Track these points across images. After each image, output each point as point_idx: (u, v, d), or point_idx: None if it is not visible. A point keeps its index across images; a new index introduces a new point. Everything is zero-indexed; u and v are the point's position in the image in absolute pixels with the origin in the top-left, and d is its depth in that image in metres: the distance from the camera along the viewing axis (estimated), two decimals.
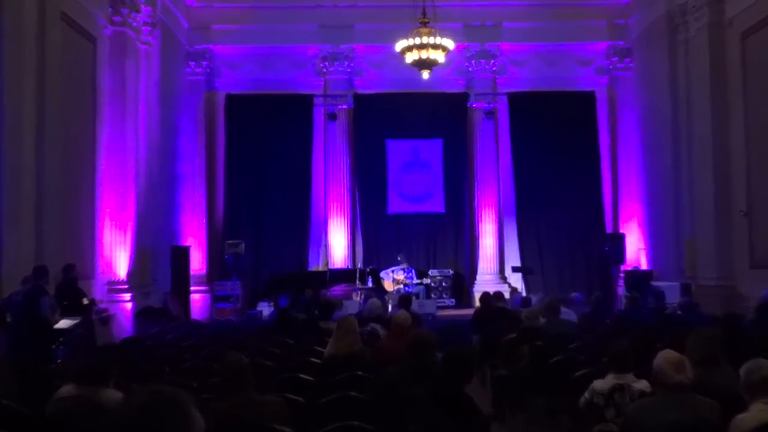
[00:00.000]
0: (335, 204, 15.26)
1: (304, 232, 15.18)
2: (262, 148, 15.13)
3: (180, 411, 1.21)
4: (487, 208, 15.26)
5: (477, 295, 12.47)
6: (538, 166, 15.14)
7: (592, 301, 8.73)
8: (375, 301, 8.14)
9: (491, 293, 9.42)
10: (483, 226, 15.25)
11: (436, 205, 15.52)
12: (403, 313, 5.99)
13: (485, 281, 14.72)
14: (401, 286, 13.59)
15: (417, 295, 13.33)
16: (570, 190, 15.05)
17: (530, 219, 15.24)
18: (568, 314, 7.80)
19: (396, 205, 15.53)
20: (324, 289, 13.55)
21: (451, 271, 14.80)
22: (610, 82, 15.39)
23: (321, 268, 15.05)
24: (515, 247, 15.34)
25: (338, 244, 15.21)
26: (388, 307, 11.79)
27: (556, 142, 15.11)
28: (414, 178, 15.54)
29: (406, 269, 13.84)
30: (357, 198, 15.51)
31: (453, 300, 14.41)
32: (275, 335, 7.05)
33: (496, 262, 15.21)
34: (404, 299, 8.24)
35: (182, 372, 4.98)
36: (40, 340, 7.04)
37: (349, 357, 4.95)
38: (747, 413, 2.91)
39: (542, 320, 6.93)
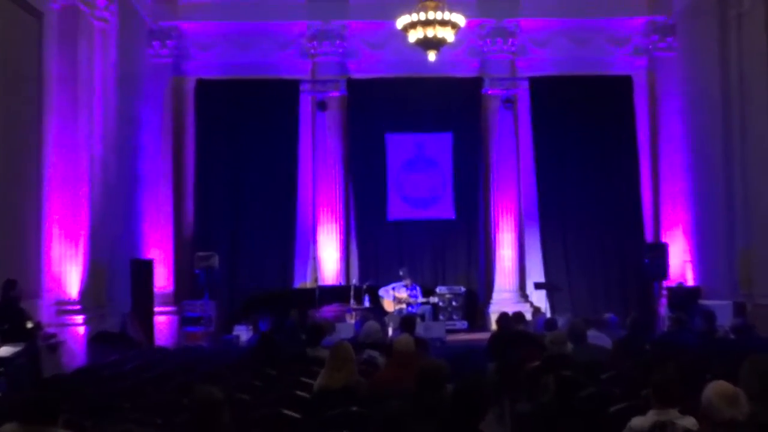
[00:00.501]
0: (326, 209, 15.36)
1: (289, 242, 15.27)
2: (239, 144, 15.22)
3: None
4: (505, 213, 15.38)
5: (493, 317, 12.63)
6: (565, 164, 15.27)
7: (629, 322, 8.67)
8: (373, 323, 8.03)
9: (510, 314, 9.47)
10: (500, 235, 15.37)
11: (444, 210, 15.63)
12: (405, 338, 6.00)
13: (503, 300, 14.80)
14: (404, 305, 13.71)
15: (422, 317, 13.45)
16: (603, 193, 15.19)
17: (556, 227, 15.34)
18: (600, 339, 7.85)
19: (397, 210, 15.66)
20: (312, 309, 13.67)
21: (463, 289, 14.94)
22: (649, 65, 15.41)
23: (309, 284, 15.15)
24: (538, 260, 15.43)
25: (329, 256, 15.30)
26: (388, 331, 11.78)
27: (586, 135, 15.23)
28: (418, 179, 15.67)
29: (409, 286, 13.90)
30: (351, 202, 15.61)
31: (465, 322, 14.54)
32: (255, 364, 7.09)
33: (515, 277, 15.32)
34: (406, 321, 8.28)
35: (145, 408, 5.00)
36: None
37: (343, 390, 5.03)
38: None
39: (570, 346, 6.94)
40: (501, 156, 15.48)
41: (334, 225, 15.32)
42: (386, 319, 13.06)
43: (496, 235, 15.40)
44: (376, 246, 15.55)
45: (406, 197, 15.67)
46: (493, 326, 11.96)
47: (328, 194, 15.37)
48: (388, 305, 13.83)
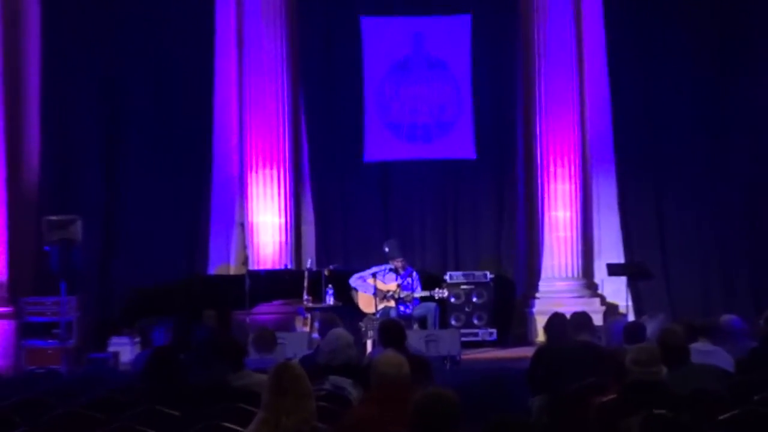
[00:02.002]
0: (260, 145, 15.35)
1: (200, 199, 15.53)
2: (116, 35, 15.18)
3: None
4: (558, 152, 15.45)
5: (540, 321, 12.75)
6: (659, 67, 15.27)
7: (763, 326, 8.76)
8: (340, 333, 7.87)
9: (567, 316, 9.33)
10: (551, 186, 15.49)
11: (458, 144, 15.73)
12: (390, 357, 6.00)
13: (556, 293, 15.02)
14: (391, 303, 13.76)
15: (422, 321, 13.65)
16: (721, 114, 15.19)
17: (644, 174, 15.59)
18: (715, 356, 7.76)
19: (381, 145, 15.74)
20: (240, 310, 13.82)
21: (490, 275, 15.10)
22: None
23: (234, 269, 15.40)
24: (615, 229, 15.66)
25: (267, 222, 15.33)
26: (366, 345, 12.13)
27: (695, 15, 15.26)
28: (416, 93, 15.69)
29: (400, 271, 13.95)
30: (303, 133, 15.75)
31: (493, 330, 14.77)
32: (145, 401, 6.95)
33: (576, 256, 15.43)
34: (389, 329, 8.38)
35: None
36: None
37: None
38: None
39: (665, 368, 6.97)
40: (552, 55, 15.43)
41: (274, 171, 15.34)
42: (362, 325, 13.10)
43: (545, 187, 15.50)
44: (346, 205, 15.71)
45: (395, 124, 15.77)
46: (540, 336, 12.32)
47: (264, 120, 15.32)
48: (366, 302, 13.88)
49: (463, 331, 14.15)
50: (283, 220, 15.39)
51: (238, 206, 15.67)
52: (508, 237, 15.79)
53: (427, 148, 15.83)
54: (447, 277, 14.85)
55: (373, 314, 13.56)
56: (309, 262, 14.56)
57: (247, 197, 15.52)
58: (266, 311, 14.41)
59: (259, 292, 14.14)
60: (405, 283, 13.92)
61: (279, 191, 15.40)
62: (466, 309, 14.80)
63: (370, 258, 14.59)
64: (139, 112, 15.42)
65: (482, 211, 15.81)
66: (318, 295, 13.69)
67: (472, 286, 14.90)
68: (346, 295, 13.99)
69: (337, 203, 15.88)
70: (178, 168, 15.46)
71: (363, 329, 12.87)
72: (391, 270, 14.00)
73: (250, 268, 14.99)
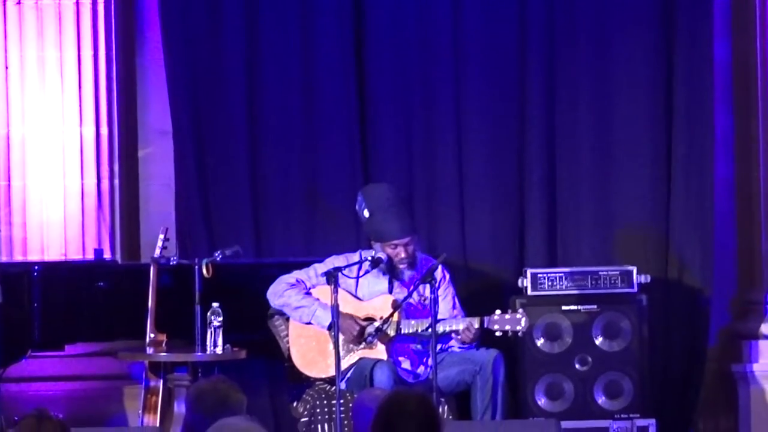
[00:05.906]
0: None
1: None
2: None
3: None
4: None
5: None
6: None
7: None
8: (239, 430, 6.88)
9: None
10: None
11: None
12: None
13: None
14: (377, 350, 12.92)
15: (460, 398, 12.90)
16: None
17: None
18: None
19: None
20: None
21: (641, 277, 13.98)
22: None
23: None
24: None
25: (48, 137, 15.04)
26: None
27: None
28: None
29: (400, 266, 12.80)
30: None
31: (648, 422, 13.72)
32: None
33: None
34: (411, 416, 7.16)
35: None
36: None
37: None
38: None
39: None
40: None
41: None
42: (300, 406, 12.72)
43: None
44: (255, 73, 14.95)
45: None
46: None
47: None
48: (310, 349, 13.01)
49: (568, 425, 12.60)
50: (89, 129, 14.40)
51: None
52: (686, 172, 14.44)
53: None
54: (525, 282, 13.44)
55: (323, 380, 12.59)
56: (160, 245, 13.43)
57: None
58: (47, 373, 14.02)
59: (26, 320, 13.45)
60: (417, 300, 12.70)
61: (78, 46, 14.51)
62: (578, 365, 13.38)
63: (323, 231, 14.09)
64: None
65: (629, 91, 14.35)
66: (184, 329, 13.04)
67: (594, 308, 13.30)
68: (259, 330, 13.21)
69: (230, 76, 14.64)
70: None
71: (305, 417, 12.22)
72: (374, 264, 12.81)
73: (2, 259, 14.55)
